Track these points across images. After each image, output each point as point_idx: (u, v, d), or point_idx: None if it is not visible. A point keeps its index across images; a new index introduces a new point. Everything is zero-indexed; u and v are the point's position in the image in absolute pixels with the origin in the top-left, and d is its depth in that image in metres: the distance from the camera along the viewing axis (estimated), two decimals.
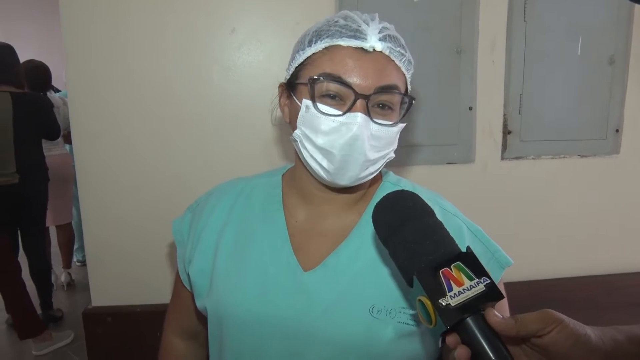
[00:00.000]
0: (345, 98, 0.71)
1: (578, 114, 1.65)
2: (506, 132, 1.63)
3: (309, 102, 0.72)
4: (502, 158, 1.65)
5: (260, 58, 1.49)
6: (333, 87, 0.71)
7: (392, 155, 0.78)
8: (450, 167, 1.62)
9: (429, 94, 1.55)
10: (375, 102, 0.72)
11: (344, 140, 0.70)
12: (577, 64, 1.63)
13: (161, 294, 1.52)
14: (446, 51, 1.55)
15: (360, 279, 0.77)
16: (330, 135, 0.71)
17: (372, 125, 0.71)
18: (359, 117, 0.70)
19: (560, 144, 1.66)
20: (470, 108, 1.59)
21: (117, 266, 1.52)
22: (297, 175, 0.85)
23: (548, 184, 1.69)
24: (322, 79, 0.71)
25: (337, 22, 0.74)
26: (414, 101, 0.77)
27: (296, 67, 0.78)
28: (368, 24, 0.73)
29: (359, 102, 0.70)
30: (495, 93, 1.61)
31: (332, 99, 0.72)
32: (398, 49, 0.74)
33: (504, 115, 1.63)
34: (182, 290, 0.94)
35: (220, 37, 1.46)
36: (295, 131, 0.76)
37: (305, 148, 0.75)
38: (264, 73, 1.50)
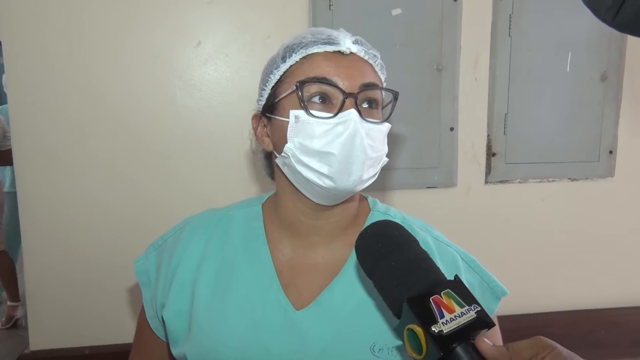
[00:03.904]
0: (333, 99, 0.73)
1: (568, 135, 1.64)
2: (490, 154, 1.62)
3: (298, 112, 0.73)
4: (486, 182, 1.64)
5: (227, 74, 1.48)
6: (320, 88, 0.73)
7: (386, 159, 0.79)
8: (431, 192, 1.60)
9: (407, 114, 1.53)
10: (362, 99, 0.74)
11: (343, 138, 0.71)
12: (567, 81, 1.62)
13: (114, 333, 1.47)
14: (426, 68, 1.53)
15: (358, 315, 0.76)
16: (327, 136, 0.71)
17: (364, 124, 0.73)
18: (353, 114, 0.71)
19: (548, 166, 1.65)
20: (452, 129, 1.57)
21: (62, 302, 1.46)
22: (282, 203, 0.83)
23: (536, 210, 1.68)
24: (308, 81, 0.73)
25: (305, 36, 0.77)
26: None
27: (272, 87, 0.79)
28: (338, 32, 0.77)
29: (348, 101, 0.72)
30: (478, 113, 1.60)
31: (320, 103, 0.73)
32: (371, 51, 0.78)
33: (488, 136, 1.62)
34: (149, 339, 0.90)
35: (183, 50, 1.44)
36: (286, 145, 0.74)
37: (300, 161, 0.73)
38: (232, 91, 1.48)
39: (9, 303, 3.32)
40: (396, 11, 1.50)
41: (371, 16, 1.49)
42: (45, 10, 1.36)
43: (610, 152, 1.68)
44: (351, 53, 0.75)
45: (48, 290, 1.45)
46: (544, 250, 1.69)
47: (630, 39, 1.64)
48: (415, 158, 1.56)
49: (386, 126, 0.77)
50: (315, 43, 0.75)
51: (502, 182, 1.64)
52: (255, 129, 0.84)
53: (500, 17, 1.56)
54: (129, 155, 1.44)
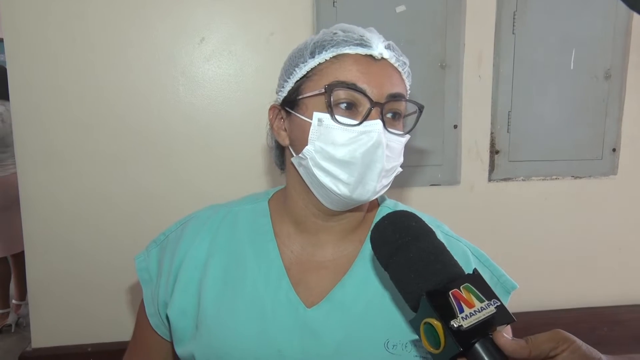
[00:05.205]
0: (359, 107, 0.71)
1: (571, 132, 1.64)
2: (494, 151, 1.62)
3: (322, 115, 0.72)
4: (490, 179, 1.64)
5: (231, 71, 1.48)
6: (349, 95, 0.71)
7: (400, 169, 0.78)
8: (434, 189, 1.61)
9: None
10: (388, 110, 0.73)
11: (365, 148, 0.70)
12: (570, 79, 1.62)
13: (117, 331, 1.47)
14: (429, 66, 1.54)
15: (370, 312, 0.75)
16: (350, 145, 0.71)
17: (387, 135, 0.72)
18: (378, 125, 0.70)
19: (552, 164, 1.65)
20: (456, 126, 1.58)
21: (65, 300, 1.47)
22: (292, 200, 0.81)
23: (539, 208, 1.68)
24: (338, 85, 0.71)
25: (336, 33, 0.75)
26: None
27: (296, 82, 0.76)
28: (371, 33, 0.75)
29: (374, 110, 0.71)
30: (482, 110, 1.60)
31: (345, 109, 0.72)
32: (402, 58, 0.77)
33: (492, 133, 1.62)
34: (147, 337, 0.88)
35: (187, 47, 1.45)
36: (306, 147, 0.73)
37: (318, 165, 0.72)
38: (235, 88, 1.48)
39: (14, 301, 3.30)
40: (400, 8, 1.50)
41: (375, 13, 1.49)
42: (47, 7, 1.36)
43: (614, 149, 1.68)
44: (382, 58, 0.73)
45: (51, 288, 1.46)
46: (547, 248, 1.70)
47: (634, 36, 1.64)
48: (419, 156, 1.57)
49: (407, 138, 0.77)
50: (347, 43, 0.73)
51: (505, 179, 1.65)
52: (272, 121, 0.81)
53: (504, 15, 1.56)
54: (132, 153, 1.45)
